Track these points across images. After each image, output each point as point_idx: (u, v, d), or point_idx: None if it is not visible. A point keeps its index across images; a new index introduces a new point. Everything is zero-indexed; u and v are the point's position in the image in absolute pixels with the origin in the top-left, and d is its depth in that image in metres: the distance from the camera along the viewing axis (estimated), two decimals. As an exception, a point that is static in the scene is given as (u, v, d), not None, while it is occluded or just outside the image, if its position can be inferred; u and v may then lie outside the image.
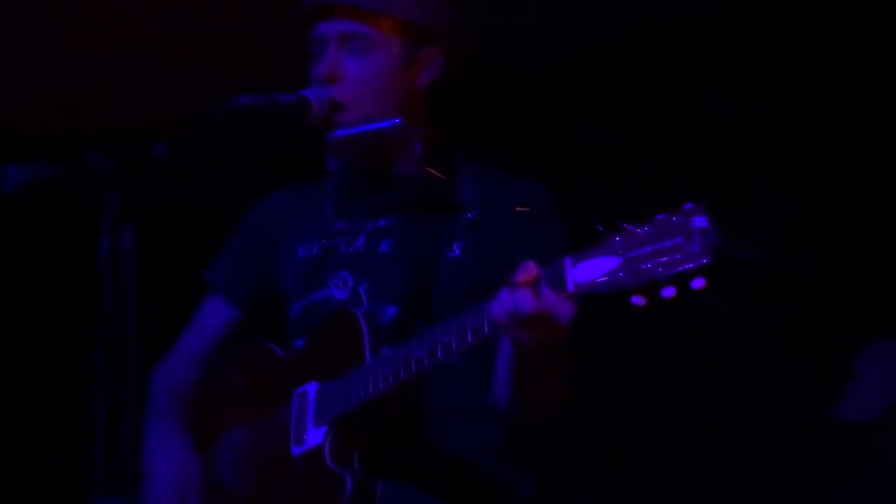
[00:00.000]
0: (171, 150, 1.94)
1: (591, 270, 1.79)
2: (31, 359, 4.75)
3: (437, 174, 2.32)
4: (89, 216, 1.87)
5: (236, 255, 2.48)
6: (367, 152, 2.31)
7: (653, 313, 1.76)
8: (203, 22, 4.12)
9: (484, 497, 2.21)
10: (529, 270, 1.87)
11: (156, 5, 4.03)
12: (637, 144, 3.99)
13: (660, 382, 3.99)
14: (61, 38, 4.15)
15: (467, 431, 2.22)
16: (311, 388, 2.19)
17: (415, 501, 2.16)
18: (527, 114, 4.12)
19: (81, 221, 2.10)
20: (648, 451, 4.01)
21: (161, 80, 4.38)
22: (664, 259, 1.71)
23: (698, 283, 1.70)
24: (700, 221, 1.69)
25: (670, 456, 3.96)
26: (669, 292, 1.72)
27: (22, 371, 4.74)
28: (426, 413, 2.18)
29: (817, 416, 3.53)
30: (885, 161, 3.74)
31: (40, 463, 4.63)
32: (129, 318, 1.83)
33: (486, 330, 1.92)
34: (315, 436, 2.15)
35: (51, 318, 4.70)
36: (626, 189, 3.71)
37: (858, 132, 3.77)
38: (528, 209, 2.26)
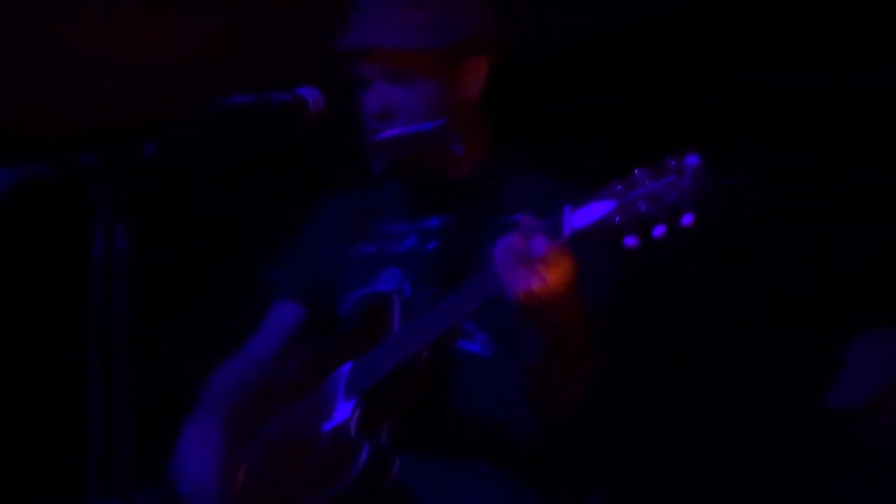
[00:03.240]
0: (162, 149, 1.93)
1: (587, 215, 1.81)
2: (24, 361, 4.75)
3: (486, 177, 2.33)
4: (82, 217, 1.87)
5: (298, 257, 2.52)
6: (409, 155, 2.31)
7: (646, 255, 1.76)
8: (201, 22, 4.12)
9: (511, 467, 2.22)
10: (526, 218, 1.90)
11: (150, 5, 4.03)
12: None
13: (651, 373, 3.99)
14: (54, 37, 4.15)
15: (497, 423, 2.22)
16: (346, 367, 2.22)
17: (439, 475, 2.18)
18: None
19: (74, 222, 2.09)
20: (639, 440, 4.02)
21: (154, 79, 4.38)
22: (655, 197, 1.72)
23: (688, 219, 1.70)
24: (692, 159, 1.70)
25: (661, 445, 3.96)
26: (660, 231, 1.72)
27: (15, 373, 4.74)
28: (456, 404, 2.19)
29: (808, 406, 3.55)
30: (875, 150, 3.75)
31: (36, 466, 4.63)
32: (122, 318, 1.82)
33: (492, 286, 1.93)
34: (344, 410, 2.17)
35: (44, 319, 4.69)
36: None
37: (856, 120, 3.78)
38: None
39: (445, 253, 2.29)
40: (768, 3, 3.91)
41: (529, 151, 2.39)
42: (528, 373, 2.12)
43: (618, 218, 1.76)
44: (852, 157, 3.80)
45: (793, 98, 3.85)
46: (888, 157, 3.74)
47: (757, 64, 3.89)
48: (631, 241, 1.75)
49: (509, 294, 1.93)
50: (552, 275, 1.87)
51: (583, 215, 1.82)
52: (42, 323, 4.72)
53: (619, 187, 1.77)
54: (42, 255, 4.73)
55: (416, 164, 2.33)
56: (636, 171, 1.77)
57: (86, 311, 1.82)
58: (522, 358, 2.12)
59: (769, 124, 3.89)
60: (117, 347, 1.83)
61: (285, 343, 2.48)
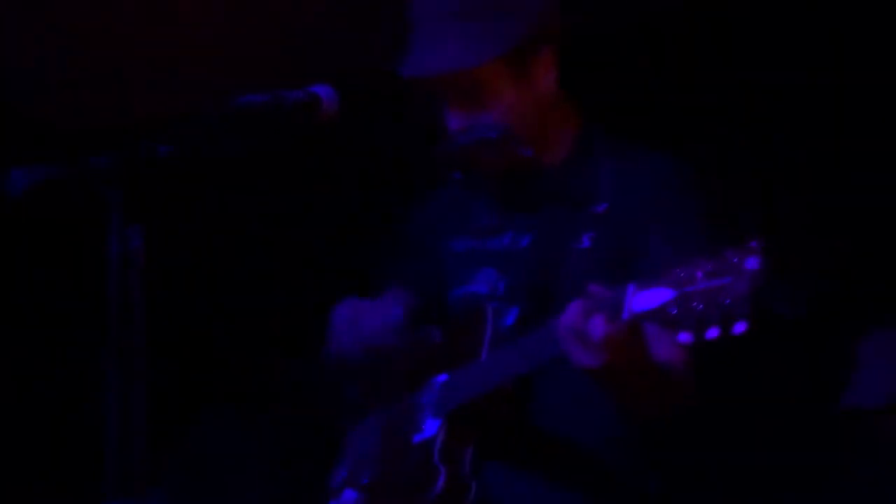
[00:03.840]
0: (176, 149, 1.92)
1: (648, 300, 1.78)
2: (40, 362, 4.76)
3: (575, 166, 2.30)
4: (96, 217, 1.87)
5: (406, 254, 2.56)
6: (477, 160, 2.30)
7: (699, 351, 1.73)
8: (211, 21, 4.12)
9: (593, 491, 2.23)
10: (593, 291, 1.89)
11: (163, 6, 4.03)
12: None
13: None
14: (68, 39, 4.15)
15: (587, 421, 2.23)
16: (441, 378, 2.25)
17: (520, 494, 2.20)
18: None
19: (88, 222, 2.09)
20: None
21: (167, 79, 4.38)
22: (713, 299, 1.68)
23: (740, 327, 1.67)
24: (752, 263, 1.66)
25: (679, 447, 3.95)
26: (713, 333, 1.69)
27: (30, 374, 4.75)
28: (544, 403, 2.20)
29: (824, 406, 3.54)
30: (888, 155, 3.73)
31: (51, 466, 4.64)
32: (138, 318, 1.83)
33: (557, 348, 1.93)
34: (431, 427, 2.20)
35: (58, 320, 4.70)
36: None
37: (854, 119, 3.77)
38: (663, 196, 2.22)
39: (537, 252, 2.28)
40: (768, 3, 3.89)
41: (616, 136, 2.35)
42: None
43: (675, 310, 1.73)
44: (855, 157, 3.78)
45: (793, 98, 3.83)
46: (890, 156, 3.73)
47: (757, 64, 3.87)
48: (685, 338, 1.73)
49: (574, 364, 1.94)
50: (612, 355, 1.87)
51: (644, 299, 1.79)
52: (57, 323, 4.73)
53: (681, 274, 1.74)
54: (57, 256, 4.74)
55: (488, 169, 2.33)
56: (698, 259, 1.74)
57: (100, 311, 1.82)
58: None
59: (769, 124, 3.88)
60: (132, 347, 1.83)
61: (399, 331, 2.46)
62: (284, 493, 4.38)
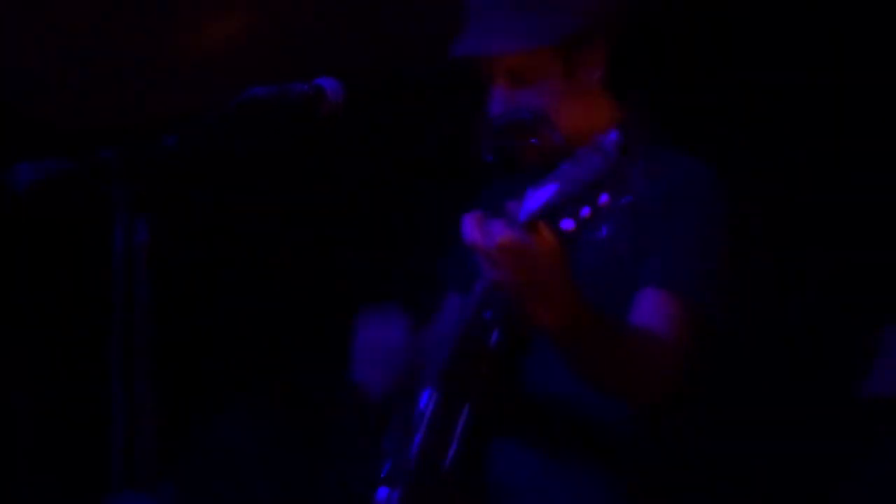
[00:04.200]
0: (182, 142, 1.93)
1: (538, 197, 1.80)
2: (46, 356, 4.78)
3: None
4: (102, 211, 1.87)
5: (459, 251, 2.53)
6: (512, 145, 2.31)
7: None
8: (216, 16, 4.13)
9: (595, 457, 2.21)
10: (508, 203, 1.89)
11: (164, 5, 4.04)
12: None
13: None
14: (74, 33, 4.16)
15: (595, 401, 2.18)
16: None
17: (520, 463, 2.19)
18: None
19: (94, 216, 2.10)
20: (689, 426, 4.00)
21: (173, 75, 4.39)
22: (581, 178, 1.72)
23: (603, 198, 1.70)
24: (612, 135, 1.71)
25: (699, 437, 3.95)
26: (585, 212, 1.72)
27: (37, 368, 4.77)
28: (538, 379, 2.18)
29: (845, 394, 3.54)
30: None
31: (59, 458, 4.65)
32: (144, 312, 1.83)
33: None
34: (426, 396, 2.19)
35: (65, 314, 4.72)
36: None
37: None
38: (686, 199, 2.21)
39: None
40: (768, 3, 3.88)
41: (654, 138, 2.36)
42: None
43: (557, 200, 1.76)
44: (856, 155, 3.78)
45: (793, 98, 3.82)
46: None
47: (757, 64, 3.87)
48: (567, 225, 1.75)
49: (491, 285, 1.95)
50: (515, 260, 1.83)
51: (536, 198, 1.81)
52: (63, 317, 4.74)
53: (565, 167, 1.77)
54: (62, 250, 4.75)
55: (521, 153, 2.32)
56: (578, 150, 1.77)
57: (107, 305, 1.82)
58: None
59: (769, 124, 3.87)
60: (138, 340, 1.83)
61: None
62: (293, 487, 4.39)
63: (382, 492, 2.34)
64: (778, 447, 3.84)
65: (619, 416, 2.20)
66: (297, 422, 4.40)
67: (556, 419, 2.21)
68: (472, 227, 1.86)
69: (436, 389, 2.16)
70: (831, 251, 3.76)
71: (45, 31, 4.13)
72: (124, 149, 1.87)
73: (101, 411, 1.93)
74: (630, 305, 2.14)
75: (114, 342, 1.82)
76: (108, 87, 4.43)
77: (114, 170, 1.86)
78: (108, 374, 1.84)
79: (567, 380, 2.16)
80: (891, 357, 3.50)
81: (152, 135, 1.92)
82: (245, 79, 2.17)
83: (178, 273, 3.85)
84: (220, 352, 4.61)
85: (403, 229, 4.31)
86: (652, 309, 2.13)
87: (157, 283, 1.85)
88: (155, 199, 1.86)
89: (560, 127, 2.26)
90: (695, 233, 2.17)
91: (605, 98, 2.34)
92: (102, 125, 4.39)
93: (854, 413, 3.56)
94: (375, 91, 3.99)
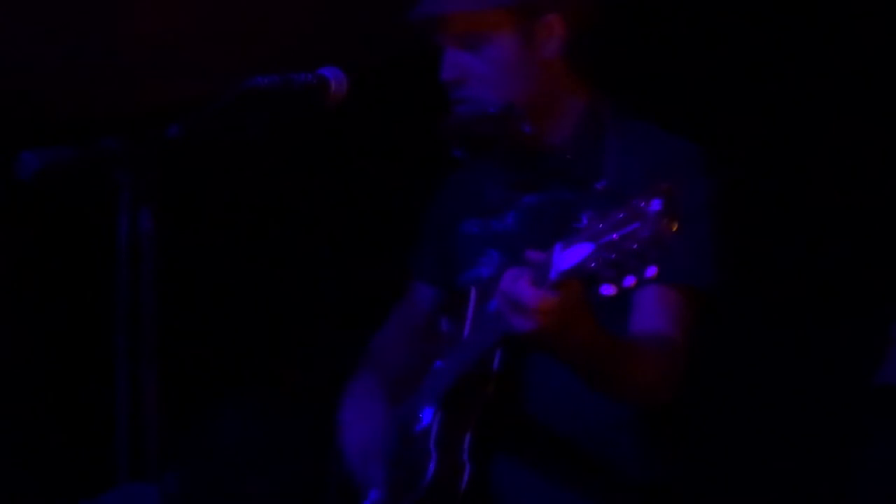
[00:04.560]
0: (186, 131, 1.92)
1: (571, 257, 1.75)
2: (51, 343, 4.78)
3: (579, 143, 2.27)
4: (107, 200, 1.87)
5: (426, 239, 2.54)
6: (481, 138, 2.29)
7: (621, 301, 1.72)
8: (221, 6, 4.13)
9: (591, 480, 2.21)
10: (528, 256, 1.87)
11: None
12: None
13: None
14: (77, 22, 4.16)
15: (596, 406, 2.19)
16: (437, 365, 2.25)
17: (519, 483, 2.18)
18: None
19: (99, 204, 2.10)
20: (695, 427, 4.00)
21: (177, 65, 4.39)
22: (624, 247, 1.66)
23: (651, 271, 1.65)
24: (655, 205, 1.63)
25: (712, 427, 3.95)
26: (630, 282, 1.67)
27: (42, 356, 4.77)
28: (536, 387, 2.18)
29: (858, 382, 3.53)
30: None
31: (64, 450, 4.66)
32: (149, 301, 1.83)
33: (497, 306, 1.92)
34: (427, 415, 2.18)
35: (70, 301, 4.72)
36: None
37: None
38: (671, 177, 2.19)
39: (537, 233, 2.24)
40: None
41: (626, 113, 2.32)
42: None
43: (594, 264, 1.71)
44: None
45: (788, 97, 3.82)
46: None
47: (753, 63, 3.86)
48: (607, 291, 1.70)
49: (515, 334, 1.91)
50: (546, 319, 1.83)
51: (568, 257, 1.76)
52: (67, 305, 4.74)
53: (599, 227, 1.72)
54: (68, 237, 4.76)
55: (494, 144, 2.31)
56: (612, 210, 1.71)
57: (111, 292, 1.82)
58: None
59: (766, 123, 3.86)
60: (143, 330, 1.83)
61: (423, 326, 2.49)
62: (297, 480, 4.39)
63: (374, 493, 2.34)
64: (790, 440, 3.84)
65: (619, 431, 2.21)
66: (300, 413, 4.40)
67: (556, 436, 2.21)
68: (508, 281, 1.85)
69: (439, 409, 2.16)
70: (844, 241, 3.76)
71: (42, 19, 4.13)
72: (129, 138, 1.87)
73: (106, 402, 1.93)
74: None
75: (118, 332, 1.82)
76: (109, 76, 4.43)
77: (118, 158, 1.86)
78: (112, 365, 1.84)
79: (567, 397, 2.18)
80: None
81: (156, 124, 1.92)
82: (248, 67, 2.17)
83: (182, 263, 3.84)
84: (225, 343, 4.62)
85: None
86: (652, 308, 2.12)
87: (161, 273, 1.85)
88: (160, 187, 1.86)
89: (517, 100, 2.23)
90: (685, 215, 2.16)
91: (567, 75, 2.29)
92: (104, 114, 4.39)
93: (867, 402, 3.56)
94: (379, 81, 4.00)
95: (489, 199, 2.38)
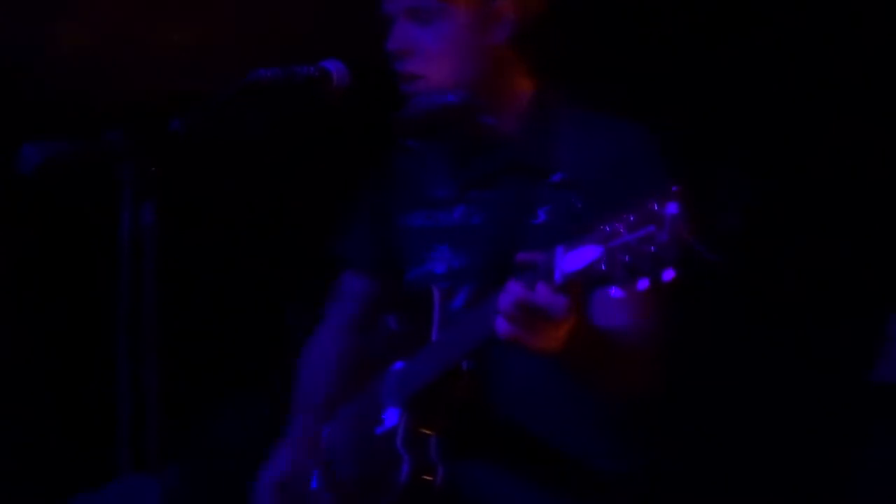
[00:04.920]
0: (188, 125, 1.92)
1: (577, 259, 1.74)
2: (52, 338, 4.78)
3: (529, 135, 2.26)
4: (109, 194, 1.87)
5: (360, 226, 2.51)
6: (436, 128, 2.29)
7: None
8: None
9: (560, 475, 2.21)
10: (528, 255, 1.84)
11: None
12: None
13: (694, 348, 3.98)
14: (78, 15, 4.16)
15: (548, 404, 2.20)
16: (397, 366, 2.22)
17: (488, 483, 2.18)
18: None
19: (101, 198, 2.10)
20: (683, 420, 4.01)
21: (179, 57, 4.38)
22: (638, 249, 1.65)
23: (668, 275, 1.63)
24: (672, 209, 1.62)
25: (706, 424, 3.96)
26: (644, 284, 1.65)
27: (44, 350, 4.77)
28: (504, 386, 2.17)
29: (855, 380, 3.54)
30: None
31: (65, 443, 4.66)
32: (150, 295, 1.83)
33: (498, 326, 1.88)
34: (392, 417, 2.17)
35: (71, 295, 4.72)
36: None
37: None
38: (628, 164, 2.17)
39: (492, 229, 2.24)
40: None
41: (575, 101, 2.30)
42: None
43: (603, 266, 1.69)
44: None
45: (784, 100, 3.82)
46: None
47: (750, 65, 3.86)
48: (616, 293, 1.69)
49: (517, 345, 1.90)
50: (549, 323, 1.83)
51: (573, 259, 1.75)
52: (69, 298, 4.74)
53: (607, 229, 1.70)
54: (70, 231, 4.75)
55: (447, 134, 2.30)
56: (623, 213, 1.69)
57: (113, 286, 1.82)
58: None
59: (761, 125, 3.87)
60: (145, 324, 1.84)
61: (365, 312, 2.48)
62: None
63: (325, 495, 2.33)
64: (785, 438, 3.85)
65: (586, 426, 2.20)
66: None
67: (524, 433, 2.20)
68: (522, 291, 1.82)
69: (406, 410, 2.14)
70: (841, 239, 3.76)
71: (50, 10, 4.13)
72: (131, 132, 1.87)
73: (107, 395, 1.93)
74: None
75: (120, 325, 1.82)
76: (113, 65, 4.43)
77: (120, 152, 1.86)
78: (113, 358, 1.84)
79: (533, 393, 2.18)
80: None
81: (159, 117, 1.91)
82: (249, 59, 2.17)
83: (184, 257, 3.84)
84: (227, 337, 4.62)
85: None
86: (619, 304, 2.05)
87: (163, 267, 1.85)
88: (161, 183, 1.86)
89: (461, 82, 2.22)
90: (646, 193, 2.13)
91: (515, 63, 2.27)
92: (108, 104, 4.39)
93: (862, 399, 3.57)
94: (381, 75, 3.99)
95: (434, 191, 2.35)
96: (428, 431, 2.12)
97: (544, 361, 1.98)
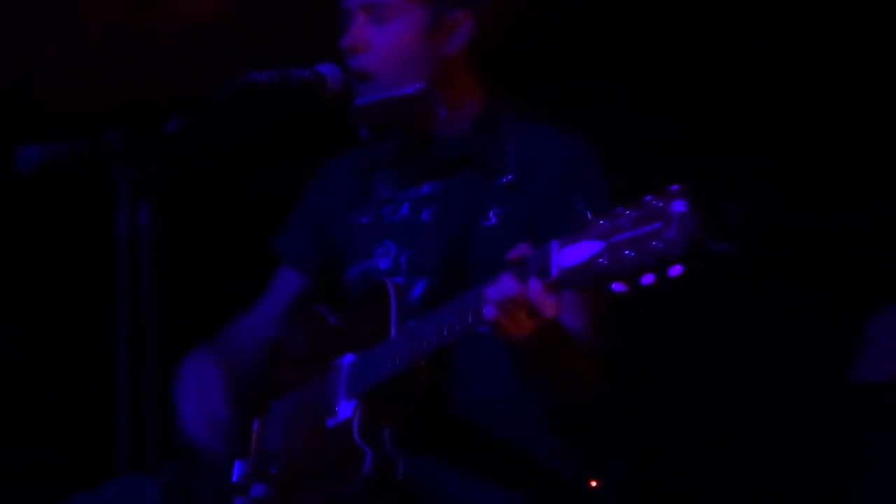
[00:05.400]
0: (184, 126, 1.94)
1: (575, 255, 1.74)
2: (51, 338, 4.78)
3: (478, 137, 2.29)
4: (107, 193, 1.89)
5: (301, 223, 2.52)
6: (392, 119, 2.30)
7: (634, 299, 1.70)
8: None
9: (514, 471, 2.21)
10: (520, 250, 1.85)
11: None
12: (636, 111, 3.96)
13: (678, 353, 4.00)
14: (75, 16, 4.16)
15: (515, 400, 2.21)
16: (347, 359, 2.21)
17: (442, 477, 2.17)
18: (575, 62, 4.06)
19: (99, 198, 2.11)
20: (670, 420, 4.02)
21: (177, 57, 4.39)
22: (642, 246, 1.65)
23: (675, 270, 1.63)
24: (679, 206, 1.63)
25: (692, 425, 3.97)
26: (648, 279, 1.66)
27: (43, 350, 4.77)
28: (462, 383, 2.18)
29: (835, 381, 3.55)
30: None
31: (65, 443, 4.66)
32: (147, 293, 1.84)
33: (485, 313, 1.88)
34: (346, 409, 2.16)
35: (70, 295, 4.72)
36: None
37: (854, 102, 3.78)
38: (572, 171, 2.21)
39: (444, 226, 2.26)
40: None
41: (524, 106, 2.35)
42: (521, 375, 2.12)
43: (604, 261, 1.70)
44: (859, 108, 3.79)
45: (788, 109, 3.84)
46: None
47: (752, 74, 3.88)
48: (619, 287, 1.69)
49: (496, 333, 1.90)
50: (541, 317, 1.83)
51: (570, 254, 1.75)
52: (68, 298, 4.74)
53: (605, 225, 1.71)
54: (68, 231, 4.76)
55: (400, 128, 2.32)
56: (619, 209, 1.70)
57: (111, 286, 1.83)
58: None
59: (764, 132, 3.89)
60: (143, 324, 1.85)
61: (292, 311, 2.47)
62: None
63: (258, 488, 2.32)
64: (767, 437, 3.87)
65: (524, 424, 2.22)
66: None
67: (477, 435, 2.21)
68: (514, 284, 1.83)
69: (362, 403, 2.13)
70: (820, 241, 3.78)
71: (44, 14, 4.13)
72: (128, 133, 1.88)
73: (106, 395, 1.94)
74: None
75: (118, 325, 1.83)
76: (103, 70, 4.43)
77: (118, 153, 1.87)
78: (113, 358, 1.85)
79: (489, 395, 2.19)
80: (877, 345, 3.53)
81: (155, 119, 1.93)
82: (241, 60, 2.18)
83: (181, 256, 3.85)
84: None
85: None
86: (570, 304, 2.09)
87: (160, 267, 1.86)
88: (159, 181, 1.87)
89: (413, 85, 2.25)
90: (588, 204, 2.14)
91: (465, 73, 2.31)
92: (102, 105, 4.39)
93: (843, 399, 3.58)
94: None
95: (379, 189, 2.38)
96: (384, 424, 2.11)
97: (505, 355, 2.00)
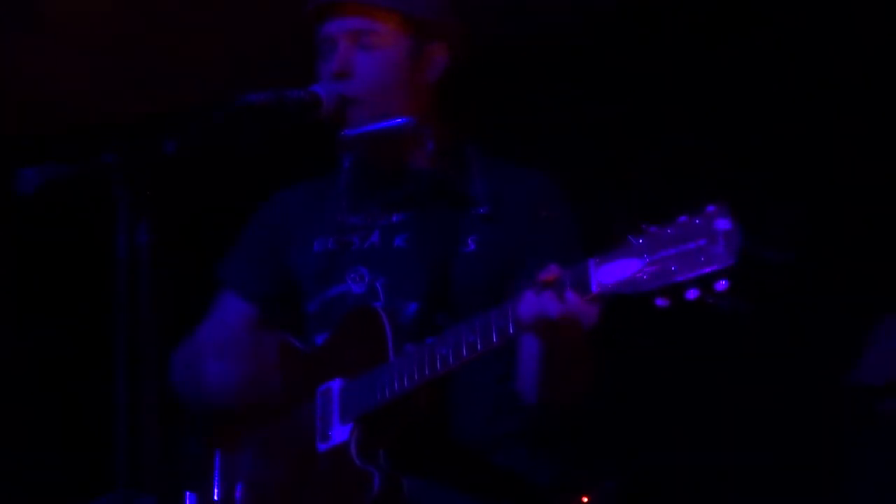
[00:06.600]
0: (181, 146, 1.95)
1: (615, 272, 1.81)
2: (51, 357, 4.79)
3: (448, 169, 2.33)
4: (106, 214, 1.90)
5: (249, 251, 2.49)
6: (380, 150, 2.33)
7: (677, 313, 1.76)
8: (216, 18, 4.15)
9: (506, 490, 2.23)
10: (552, 271, 1.90)
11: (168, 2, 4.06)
12: (651, 136, 4.00)
13: (677, 352, 4.00)
14: (70, 35, 4.18)
15: (490, 418, 2.24)
16: (336, 384, 2.22)
17: (438, 496, 2.19)
18: (535, 100, 4.12)
19: (98, 218, 2.12)
20: (668, 421, 4.02)
21: (173, 76, 4.40)
22: (688, 261, 1.71)
23: (722, 285, 1.70)
24: (723, 224, 1.70)
25: (688, 430, 3.97)
26: (693, 294, 1.72)
27: (43, 368, 4.78)
28: (456, 403, 2.20)
29: (835, 383, 3.56)
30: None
31: (62, 457, 4.66)
32: (146, 313, 1.85)
33: (511, 330, 1.94)
34: (341, 433, 2.17)
35: (70, 315, 4.73)
36: (638, 185, 3.72)
37: (870, 123, 3.79)
38: (539, 203, 2.28)
39: (421, 252, 2.28)
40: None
41: (493, 140, 2.41)
42: (530, 378, 2.16)
43: (646, 277, 1.76)
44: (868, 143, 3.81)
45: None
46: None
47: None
48: (662, 303, 1.76)
49: (538, 340, 1.99)
50: (581, 326, 1.90)
51: (610, 272, 1.82)
52: (68, 318, 4.75)
53: (641, 242, 1.77)
54: (67, 252, 4.77)
55: (384, 159, 2.35)
56: (653, 228, 1.77)
57: (111, 305, 1.84)
58: (521, 362, 2.18)
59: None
60: (142, 341, 1.86)
61: (237, 337, 2.42)
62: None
63: None
64: (770, 438, 3.87)
65: (529, 451, 2.26)
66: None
67: (472, 453, 2.23)
68: (552, 298, 1.89)
69: (358, 426, 2.15)
70: (823, 247, 3.79)
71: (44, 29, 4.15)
72: (126, 152, 1.90)
73: (106, 412, 1.95)
74: None
75: (118, 343, 1.84)
76: (105, 85, 4.44)
77: (116, 174, 1.88)
78: (111, 373, 1.86)
79: (478, 418, 2.22)
80: (880, 347, 3.54)
81: (153, 138, 1.94)
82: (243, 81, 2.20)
83: (179, 273, 3.87)
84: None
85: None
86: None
87: (159, 285, 1.87)
88: (156, 201, 1.88)
89: (396, 112, 2.28)
90: (562, 234, 2.25)
91: (435, 105, 2.36)
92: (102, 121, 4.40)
93: (843, 401, 3.59)
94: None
95: (344, 218, 2.38)
96: (380, 446, 2.13)
97: (498, 371, 2.10)
